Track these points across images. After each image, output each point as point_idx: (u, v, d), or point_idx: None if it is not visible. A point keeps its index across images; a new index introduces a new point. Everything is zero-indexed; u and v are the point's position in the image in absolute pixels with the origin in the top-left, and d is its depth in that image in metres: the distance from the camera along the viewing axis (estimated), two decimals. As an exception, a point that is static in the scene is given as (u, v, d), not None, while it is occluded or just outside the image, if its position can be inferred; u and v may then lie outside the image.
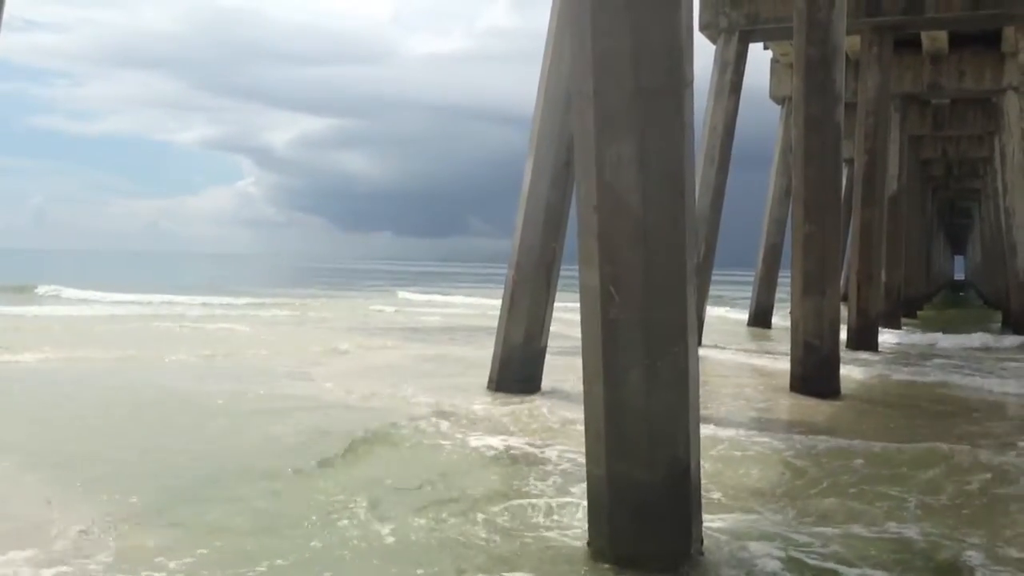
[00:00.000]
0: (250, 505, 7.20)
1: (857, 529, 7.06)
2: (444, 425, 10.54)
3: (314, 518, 6.89)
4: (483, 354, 14.78)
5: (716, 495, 7.81)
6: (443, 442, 9.76)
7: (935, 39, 27.37)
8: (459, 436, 10.04)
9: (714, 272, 24.33)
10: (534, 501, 7.50)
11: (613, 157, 5.80)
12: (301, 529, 6.66)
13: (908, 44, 28.15)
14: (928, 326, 31.92)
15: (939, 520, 7.36)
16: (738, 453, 9.71)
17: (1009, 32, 25.41)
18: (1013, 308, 29.13)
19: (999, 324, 33.12)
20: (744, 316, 31.36)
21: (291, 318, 29.10)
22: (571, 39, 6.15)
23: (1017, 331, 26.84)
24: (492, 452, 9.41)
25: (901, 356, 21.19)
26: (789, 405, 13.51)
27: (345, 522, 6.82)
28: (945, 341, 24.63)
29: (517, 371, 13.09)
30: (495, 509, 7.25)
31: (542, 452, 9.42)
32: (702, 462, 6.35)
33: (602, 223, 5.86)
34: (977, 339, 25.40)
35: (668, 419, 5.82)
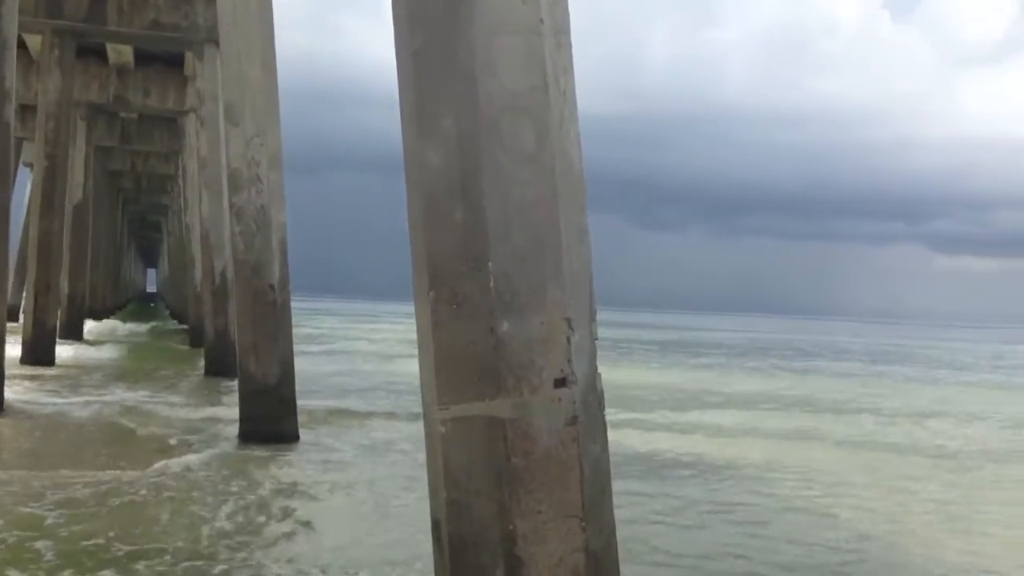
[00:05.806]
0: None
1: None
2: None
3: None
4: None
5: None
6: None
7: (121, 52, 27.61)
8: None
9: None
10: None
11: None
12: None
13: (97, 53, 27.93)
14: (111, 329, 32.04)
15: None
16: None
17: (190, 57, 26.89)
18: (191, 319, 30.81)
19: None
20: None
21: None
22: None
23: (194, 341, 28.28)
24: None
25: (80, 370, 20.72)
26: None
27: None
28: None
29: None
30: None
31: None
32: None
33: None
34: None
35: None
